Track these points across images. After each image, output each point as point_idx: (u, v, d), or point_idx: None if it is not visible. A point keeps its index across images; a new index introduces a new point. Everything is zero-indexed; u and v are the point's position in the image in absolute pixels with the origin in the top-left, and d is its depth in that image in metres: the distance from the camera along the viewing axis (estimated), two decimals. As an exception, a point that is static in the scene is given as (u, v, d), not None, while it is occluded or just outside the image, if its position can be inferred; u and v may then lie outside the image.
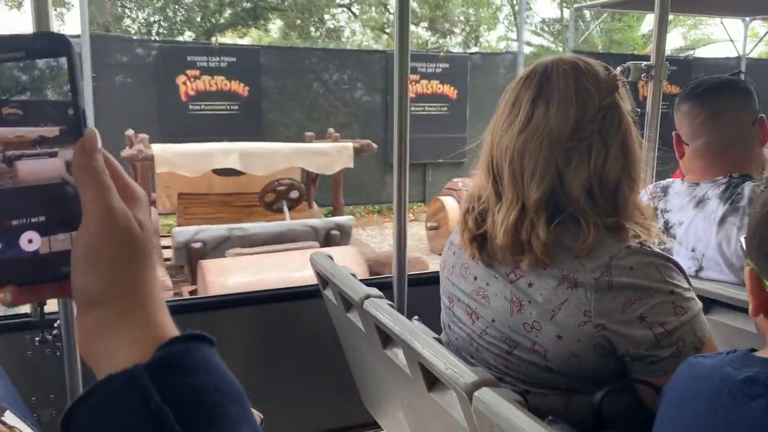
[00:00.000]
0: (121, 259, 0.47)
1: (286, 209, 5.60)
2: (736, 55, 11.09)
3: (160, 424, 0.40)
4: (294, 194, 5.71)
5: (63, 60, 0.49)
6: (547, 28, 16.49)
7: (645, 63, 2.11)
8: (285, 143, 6.26)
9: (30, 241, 0.48)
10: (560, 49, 15.09)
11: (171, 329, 0.48)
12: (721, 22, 12.33)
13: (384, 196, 10.37)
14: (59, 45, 0.49)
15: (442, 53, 10.55)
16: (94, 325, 0.47)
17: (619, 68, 2.01)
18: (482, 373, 1.03)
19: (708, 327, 1.14)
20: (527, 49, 16.33)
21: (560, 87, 1.15)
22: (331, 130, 6.70)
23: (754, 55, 14.23)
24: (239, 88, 9.16)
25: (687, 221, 1.66)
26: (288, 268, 3.82)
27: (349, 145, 5.92)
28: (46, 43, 0.49)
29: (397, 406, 1.56)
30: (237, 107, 9.17)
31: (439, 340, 1.22)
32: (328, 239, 4.76)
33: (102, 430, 0.41)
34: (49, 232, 0.49)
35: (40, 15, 1.48)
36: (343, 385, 1.97)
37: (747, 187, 1.56)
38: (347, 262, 3.95)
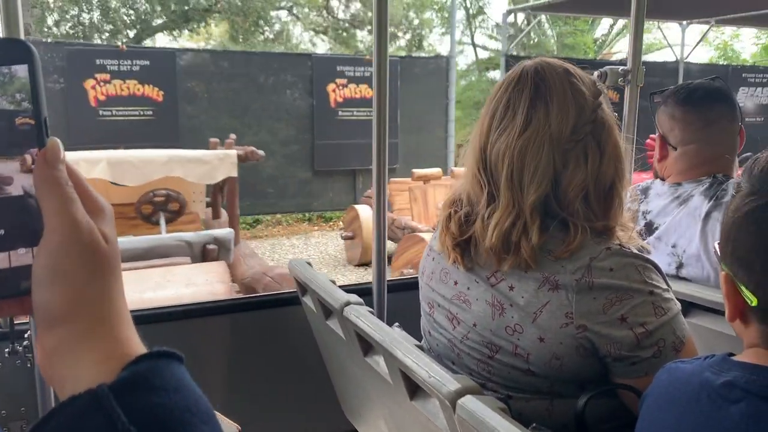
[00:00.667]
0: (85, 274, 0.45)
1: (162, 222, 5.35)
2: (684, 59, 11.15)
3: None
4: (173, 206, 5.45)
5: (23, 67, 0.46)
6: (502, 33, 16.49)
7: (621, 68, 2.13)
8: (160, 150, 5.95)
9: None
10: (514, 53, 15.09)
11: (138, 347, 0.46)
12: (659, 27, 12.49)
13: (316, 204, 10.10)
14: (20, 52, 0.47)
15: (366, 56, 10.17)
16: (56, 343, 0.45)
17: (596, 73, 2.02)
18: (465, 381, 1.02)
19: (687, 328, 1.14)
20: (483, 54, 16.08)
21: (558, 89, 1.16)
22: (233, 136, 6.36)
23: (705, 60, 14.44)
24: (153, 92, 8.76)
25: (669, 220, 1.68)
26: (142, 287, 3.52)
27: (232, 152, 5.61)
28: (6, 49, 0.47)
29: (378, 415, 1.54)
30: (151, 113, 8.77)
31: (420, 348, 1.21)
32: (204, 254, 4.44)
33: None
34: (8, 246, 0.47)
35: (9, 21, 1.44)
36: (323, 394, 1.94)
37: (731, 185, 1.58)
38: (211, 280, 3.74)
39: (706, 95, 1.72)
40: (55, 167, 0.46)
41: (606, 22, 15.80)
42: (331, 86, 9.72)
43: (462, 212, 1.23)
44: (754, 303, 0.81)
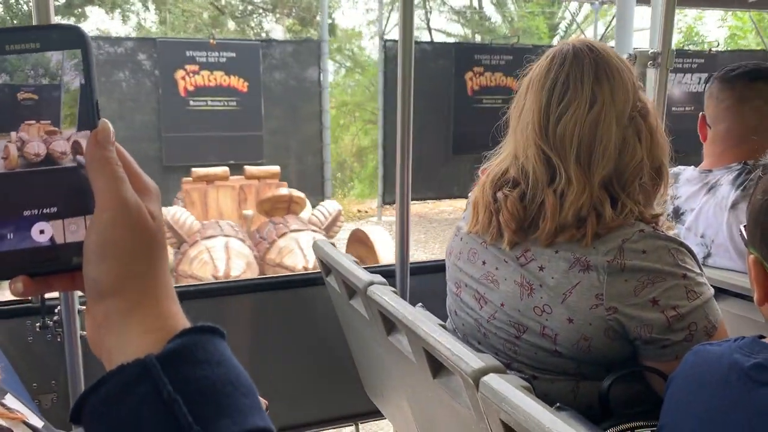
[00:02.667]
0: (133, 250, 0.47)
1: None
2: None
3: (172, 413, 0.40)
4: None
5: (77, 52, 0.49)
6: (457, 16, 15.02)
7: (651, 50, 2.09)
8: None
9: (41, 232, 0.49)
10: (478, 37, 14.09)
11: (182, 320, 0.48)
12: (571, 11, 11.95)
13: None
14: (74, 37, 0.49)
15: (211, 39, 8.82)
16: (105, 316, 0.47)
17: (625, 55, 1.99)
18: (489, 359, 1.02)
19: (720, 313, 1.13)
20: (442, 38, 14.61)
21: (615, 66, 1.16)
22: None
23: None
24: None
25: (698, 207, 1.65)
26: None
27: None
28: (61, 34, 0.49)
29: (400, 394, 1.55)
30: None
31: (443, 327, 1.21)
32: None
33: (113, 419, 0.41)
34: (61, 220, 0.49)
35: (40, 9, 1.45)
36: (346, 374, 1.96)
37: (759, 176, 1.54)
38: None
39: (746, 73, 1.67)
40: (106, 147, 0.48)
41: (572, 6, 14.36)
42: (180, 73, 8.45)
43: (517, 191, 1.19)
44: None
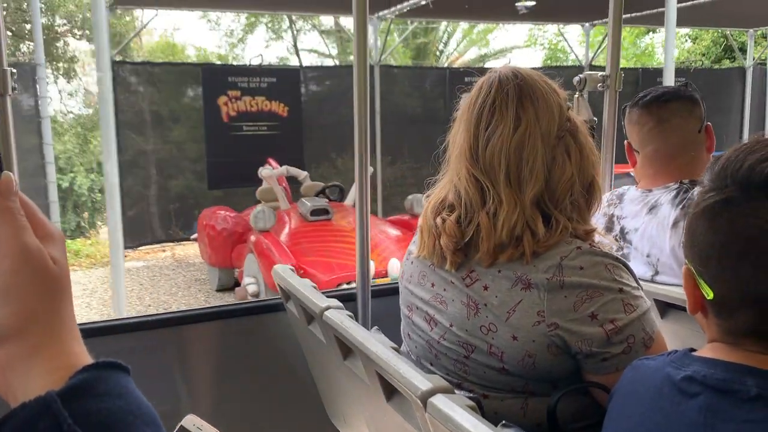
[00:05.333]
0: (34, 294, 0.49)
1: None
2: (378, 63, 9.47)
3: None
4: None
5: None
6: (324, 37, 14.80)
7: (601, 74, 2.15)
8: None
9: None
10: (350, 58, 13.33)
11: (86, 359, 0.50)
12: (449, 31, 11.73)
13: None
14: None
15: None
16: (7, 358, 0.48)
17: (575, 79, 2.05)
18: (437, 380, 1.04)
19: (657, 324, 1.17)
20: (313, 59, 14.25)
21: (540, 89, 1.21)
22: None
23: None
24: None
25: (641, 227, 1.70)
26: None
27: None
28: None
29: (360, 418, 1.56)
30: None
31: (396, 350, 1.22)
32: None
33: None
34: None
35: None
36: (309, 398, 1.95)
37: (697, 192, 1.61)
38: None
39: (659, 96, 1.76)
40: (9, 198, 0.50)
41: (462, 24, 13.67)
42: None
43: (454, 216, 1.23)
44: (710, 296, 0.84)
